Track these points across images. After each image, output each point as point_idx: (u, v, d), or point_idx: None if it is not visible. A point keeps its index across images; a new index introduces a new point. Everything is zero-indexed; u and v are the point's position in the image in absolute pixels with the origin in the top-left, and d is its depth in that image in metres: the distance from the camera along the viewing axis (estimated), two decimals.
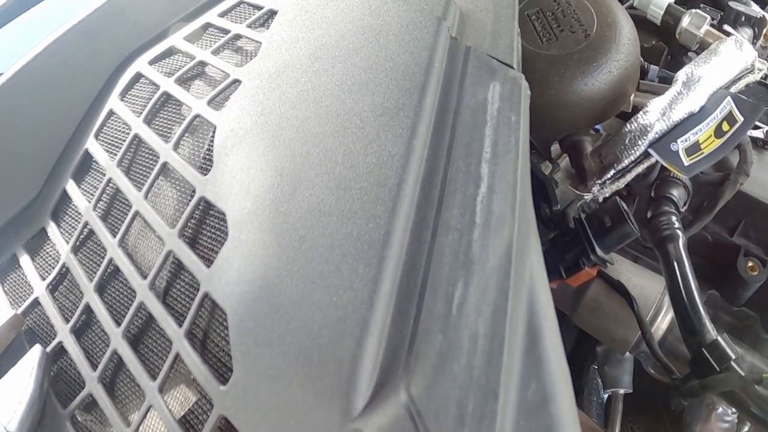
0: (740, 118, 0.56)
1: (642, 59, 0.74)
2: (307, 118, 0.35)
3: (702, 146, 0.53)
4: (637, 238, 0.61)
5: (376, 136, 0.32)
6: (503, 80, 0.36)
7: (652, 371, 0.71)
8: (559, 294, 0.66)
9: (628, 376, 0.75)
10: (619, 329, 0.65)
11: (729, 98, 0.56)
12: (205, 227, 0.36)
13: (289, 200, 0.31)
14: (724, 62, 0.59)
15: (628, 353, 0.70)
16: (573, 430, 0.29)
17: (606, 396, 0.79)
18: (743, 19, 0.83)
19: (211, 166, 0.37)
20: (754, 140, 0.71)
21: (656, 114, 0.52)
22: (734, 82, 0.61)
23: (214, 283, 0.31)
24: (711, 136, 0.54)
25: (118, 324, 0.37)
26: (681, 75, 0.55)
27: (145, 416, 0.33)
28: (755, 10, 0.85)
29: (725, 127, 0.55)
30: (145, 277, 0.37)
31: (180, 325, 0.33)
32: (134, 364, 0.35)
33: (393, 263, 0.27)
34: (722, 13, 0.82)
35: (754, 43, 0.84)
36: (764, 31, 0.86)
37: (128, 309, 0.37)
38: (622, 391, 0.73)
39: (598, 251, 0.54)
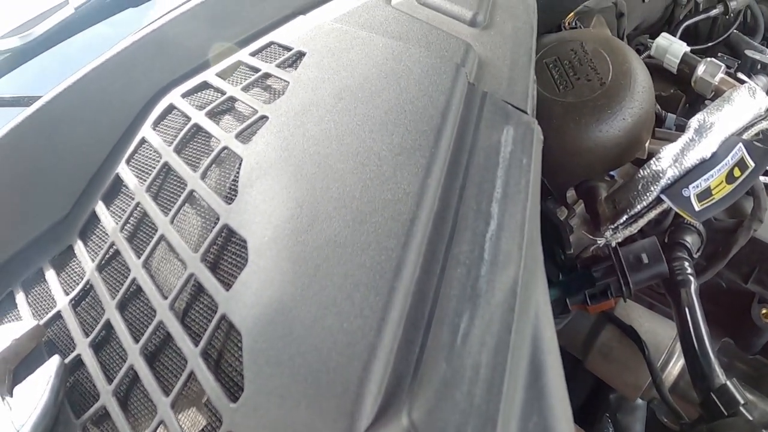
0: (751, 164, 0.57)
1: (659, 107, 0.76)
2: (329, 155, 0.36)
3: (713, 192, 0.54)
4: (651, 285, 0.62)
5: (392, 174, 0.33)
6: (517, 124, 0.38)
7: (665, 420, 0.71)
8: (571, 338, 0.67)
9: (641, 424, 0.75)
10: (629, 374, 0.65)
11: (741, 144, 0.57)
12: (226, 253, 0.37)
13: (308, 231, 0.33)
14: (737, 109, 0.61)
15: (640, 400, 0.71)
16: None
17: None
18: (759, 67, 0.84)
19: (236, 196, 0.39)
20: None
21: (669, 160, 0.53)
22: (747, 128, 0.62)
23: (231, 306, 0.33)
24: (722, 182, 0.55)
25: (137, 341, 0.38)
26: (693, 122, 0.56)
27: (155, 431, 0.34)
28: None
29: (736, 173, 0.56)
30: (165, 298, 0.38)
31: (196, 345, 0.34)
32: (149, 379, 0.36)
33: (402, 294, 0.28)
34: (739, 62, 0.84)
35: None
36: None
37: (147, 327, 0.39)
38: None
39: (631, 285, 0.55)
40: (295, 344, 0.29)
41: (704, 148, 0.55)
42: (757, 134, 0.67)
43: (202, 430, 0.33)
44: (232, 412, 0.30)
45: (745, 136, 0.63)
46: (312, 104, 0.41)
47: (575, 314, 0.59)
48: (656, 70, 0.86)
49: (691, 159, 0.54)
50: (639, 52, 0.90)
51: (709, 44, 1.08)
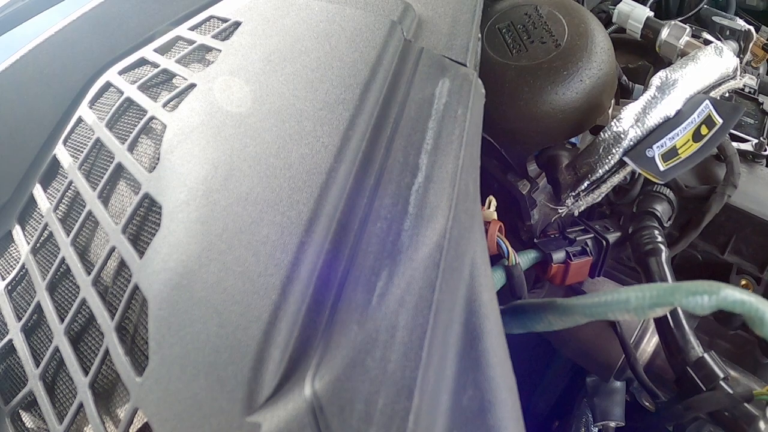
0: (719, 121, 0.54)
1: (627, 79, 0.74)
2: (250, 116, 0.34)
3: (679, 151, 0.52)
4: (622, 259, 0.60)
5: (312, 129, 0.31)
6: (454, 77, 0.36)
7: (646, 403, 0.68)
8: None
9: (620, 408, 0.72)
10: (601, 354, 0.62)
11: (707, 101, 0.55)
12: (147, 223, 0.35)
13: (220, 190, 0.30)
14: (703, 67, 0.58)
15: (617, 383, 0.68)
16: None
17: (596, 430, 0.76)
18: (728, 33, 0.82)
19: (158, 164, 0.36)
20: (743, 153, 0.70)
21: (630, 120, 0.51)
22: (714, 87, 0.60)
23: (142, 274, 0.30)
24: (689, 140, 0.53)
25: (62, 321, 0.36)
26: (655, 79, 0.54)
27: (76, 414, 0.32)
28: (740, 23, 0.85)
29: (704, 130, 0.54)
30: (89, 274, 0.36)
31: (112, 319, 0.32)
32: (71, 360, 0.34)
33: (313, 250, 0.26)
34: (706, 30, 0.82)
35: (740, 58, 0.83)
36: (750, 44, 0.86)
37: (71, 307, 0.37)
38: (613, 424, 0.70)
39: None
40: (196, 309, 0.26)
41: (668, 106, 0.53)
42: (725, 94, 0.64)
43: (116, 408, 0.31)
44: (138, 387, 0.28)
45: (712, 95, 0.61)
46: (240, 69, 0.39)
47: (545, 292, 0.57)
48: (624, 43, 0.84)
49: (654, 118, 0.52)
50: (601, 20, 0.88)
51: (679, 19, 1.06)
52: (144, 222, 0.36)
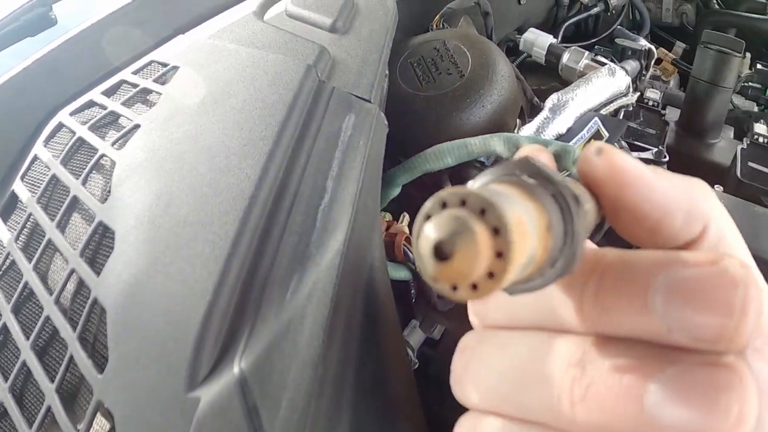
0: (606, 134, 0.63)
1: (537, 99, 0.82)
2: (186, 152, 0.41)
3: None
4: None
5: (238, 162, 0.38)
6: (358, 112, 0.43)
7: None
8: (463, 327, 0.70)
9: None
10: None
11: (596, 118, 0.63)
12: (102, 247, 0.41)
13: (163, 215, 0.37)
14: (595, 88, 0.67)
15: None
16: (409, 409, 0.35)
17: None
18: (630, 52, 0.92)
19: (109, 195, 0.42)
20: (645, 161, 0.78)
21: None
22: (606, 104, 0.69)
23: (100, 289, 0.36)
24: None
25: (28, 338, 0.41)
26: (548, 102, 0.62)
27: (45, 417, 0.37)
28: (641, 43, 0.95)
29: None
30: (51, 294, 0.42)
31: (75, 330, 0.38)
32: (38, 371, 0.39)
33: (238, 260, 0.32)
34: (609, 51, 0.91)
35: (643, 74, 0.93)
36: (652, 62, 0.96)
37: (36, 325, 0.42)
38: None
39: None
40: (147, 311, 0.33)
41: (559, 125, 0.61)
42: (617, 109, 0.73)
43: (81, 406, 0.37)
44: (99, 382, 0.33)
45: (603, 111, 0.69)
46: (178, 111, 0.46)
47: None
48: (537, 67, 0.93)
49: (548, 135, 0.60)
50: (509, 48, 0.97)
51: (592, 41, 1.16)
52: (99, 247, 0.41)
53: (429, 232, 0.14)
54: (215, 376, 0.30)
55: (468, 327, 0.25)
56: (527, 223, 0.14)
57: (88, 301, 0.38)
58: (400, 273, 0.53)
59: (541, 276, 0.17)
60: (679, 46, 1.43)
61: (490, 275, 0.14)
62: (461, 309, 0.61)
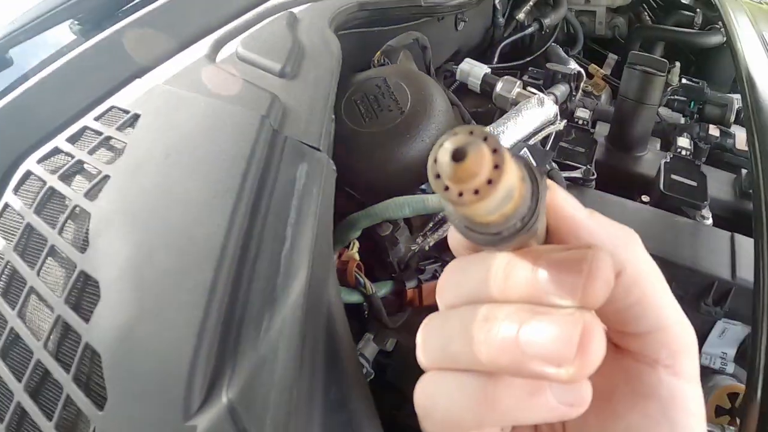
0: (534, 164, 0.70)
1: (474, 122, 0.89)
2: (158, 204, 0.46)
3: None
4: None
5: (208, 214, 0.43)
6: (310, 161, 0.49)
7: None
8: (411, 337, 0.76)
9: None
10: None
11: (525, 150, 0.70)
12: (85, 294, 0.45)
13: (144, 266, 0.42)
14: (525, 119, 0.74)
15: None
16: (368, 422, 0.40)
17: None
18: (560, 76, 0.99)
19: (88, 245, 0.47)
20: (575, 179, 0.85)
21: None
22: (536, 133, 0.76)
23: (92, 335, 0.41)
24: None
25: (20, 380, 0.45)
26: None
27: None
28: (571, 67, 1.02)
29: None
30: (39, 340, 0.46)
31: (68, 372, 0.42)
32: (34, 410, 0.43)
33: (216, 305, 0.38)
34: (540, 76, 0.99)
35: (573, 95, 1.01)
36: (581, 83, 1.04)
37: (26, 368, 0.45)
38: None
39: None
40: (141, 355, 0.38)
41: None
42: (547, 137, 0.81)
43: None
44: (100, 419, 0.38)
45: (534, 140, 0.76)
46: (145, 161, 0.50)
47: (410, 314, 0.69)
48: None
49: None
50: (446, 78, 1.04)
51: (528, 59, 1.24)
52: (81, 294, 0.46)
53: (448, 145, 0.19)
54: (207, 407, 0.35)
55: (413, 338, 0.31)
56: (514, 167, 0.21)
57: (78, 345, 0.42)
58: (353, 297, 0.59)
59: (512, 223, 0.23)
60: (612, 58, 1.52)
61: (489, 182, 0.19)
62: (409, 324, 0.67)
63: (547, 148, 0.79)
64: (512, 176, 0.20)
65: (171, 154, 0.50)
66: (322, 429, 0.37)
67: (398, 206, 0.58)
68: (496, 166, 0.19)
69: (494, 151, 0.19)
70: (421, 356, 0.29)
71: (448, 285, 0.29)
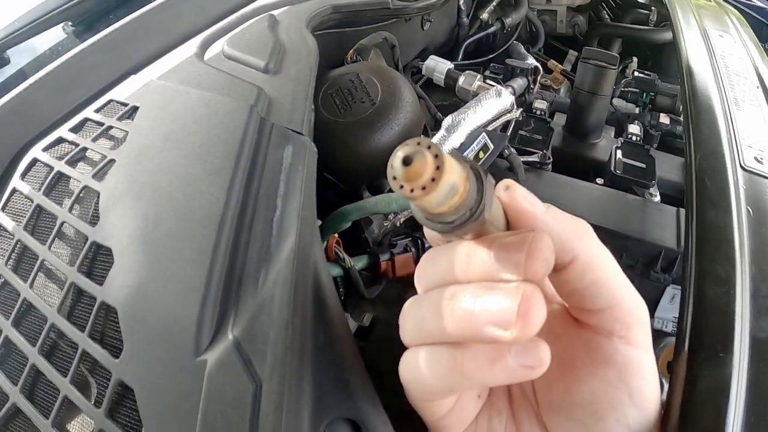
0: (491, 146, 0.77)
1: (440, 114, 0.96)
2: (161, 181, 0.52)
3: None
4: None
5: (207, 188, 0.49)
6: (295, 144, 0.55)
7: None
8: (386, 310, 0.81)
9: None
10: None
11: (483, 133, 0.77)
12: (96, 262, 0.51)
13: (152, 232, 0.48)
14: (484, 108, 0.81)
15: None
16: (352, 361, 0.46)
17: None
18: (518, 71, 1.07)
19: (98, 220, 0.52)
20: (533, 163, 0.90)
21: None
22: (494, 120, 0.83)
23: (106, 293, 0.46)
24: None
25: (34, 345, 0.48)
26: (445, 122, 0.76)
27: (61, 407, 0.45)
28: (528, 63, 1.10)
29: (481, 155, 0.76)
30: (52, 307, 0.51)
31: (82, 331, 0.47)
32: (48, 369, 0.46)
33: (220, 262, 0.44)
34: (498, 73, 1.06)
35: (531, 89, 1.08)
36: (539, 77, 1.11)
37: (40, 333, 0.49)
38: None
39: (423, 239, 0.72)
40: (152, 306, 0.44)
41: (454, 141, 0.75)
42: (505, 123, 0.88)
43: (98, 388, 0.46)
44: (117, 365, 0.43)
45: (493, 126, 0.84)
46: (147, 147, 0.56)
47: (384, 287, 0.74)
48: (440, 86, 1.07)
49: (444, 150, 0.73)
50: (414, 73, 1.11)
51: (490, 56, 1.32)
52: (93, 262, 0.51)
53: (400, 153, 0.24)
54: (215, 343, 0.41)
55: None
56: (455, 166, 0.26)
57: (92, 307, 0.47)
58: (334, 270, 0.65)
59: (461, 213, 0.28)
60: (572, 55, 1.59)
61: (433, 179, 0.24)
62: (385, 296, 0.73)
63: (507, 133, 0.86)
64: (453, 174, 0.26)
65: (170, 139, 0.56)
66: (312, 364, 0.42)
67: (386, 202, 0.64)
68: (437, 168, 0.25)
69: (435, 156, 0.25)
70: (402, 335, 0.35)
71: (423, 272, 0.35)
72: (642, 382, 0.35)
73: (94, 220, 0.54)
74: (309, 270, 0.47)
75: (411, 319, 0.34)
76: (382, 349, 0.77)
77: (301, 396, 0.40)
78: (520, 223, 0.31)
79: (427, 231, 0.33)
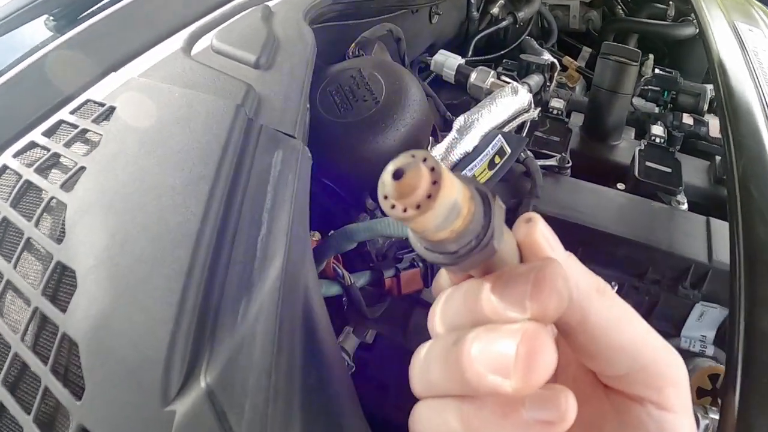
0: (508, 150, 0.70)
1: (450, 114, 0.90)
2: (134, 192, 0.46)
3: (478, 178, 0.67)
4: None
5: (183, 201, 0.43)
6: (285, 148, 0.49)
7: None
8: (391, 327, 0.76)
9: None
10: None
11: (499, 136, 0.71)
12: (62, 285, 0.45)
13: (120, 254, 0.42)
14: (499, 107, 0.75)
15: None
16: (348, 403, 0.41)
17: None
18: (534, 67, 1.00)
19: (65, 236, 0.47)
20: (550, 167, 0.86)
21: (438, 158, 0.66)
22: (510, 120, 0.77)
23: (68, 324, 0.41)
24: (485, 169, 0.68)
25: None
26: (456, 123, 0.69)
27: None
28: (545, 57, 1.03)
29: (497, 159, 0.70)
30: (16, 333, 0.45)
31: (46, 364, 0.42)
32: (12, 404, 0.42)
33: (193, 290, 0.38)
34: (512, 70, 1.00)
35: (547, 86, 1.02)
36: (555, 74, 1.04)
37: (4, 362, 0.45)
38: None
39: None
40: (116, 342, 0.38)
41: (466, 144, 0.68)
42: (522, 125, 0.82)
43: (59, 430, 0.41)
44: (78, 408, 0.38)
45: (509, 127, 0.77)
46: (121, 152, 0.50)
47: (390, 305, 0.69)
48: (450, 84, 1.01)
49: (456, 154, 0.67)
50: (421, 69, 1.05)
51: (502, 52, 1.25)
52: (59, 285, 0.45)
53: (390, 167, 0.21)
54: (186, 391, 0.35)
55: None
56: (456, 183, 0.22)
57: (55, 336, 0.42)
58: (332, 289, 0.59)
59: (467, 240, 0.23)
60: (586, 51, 1.53)
61: (429, 196, 0.20)
62: (388, 315, 0.68)
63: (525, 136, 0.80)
64: (453, 191, 0.21)
65: (146, 143, 0.50)
66: (302, 412, 0.37)
67: (401, 226, 0.58)
68: (434, 182, 0.20)
69: (432, 169, 0.21)
70: (411, 385, 0.30)
71: (434, 317, 0.30)
72: None
73: (61, 236, 0.48)
74: (298, 299, 0.41)
75: (418, 367, 0.30)
76: (387, 361, 0.71)
77: None
78: (531, 257, 0.28)
79: (435, 282, 0.30)
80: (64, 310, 0.42)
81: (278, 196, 0.45)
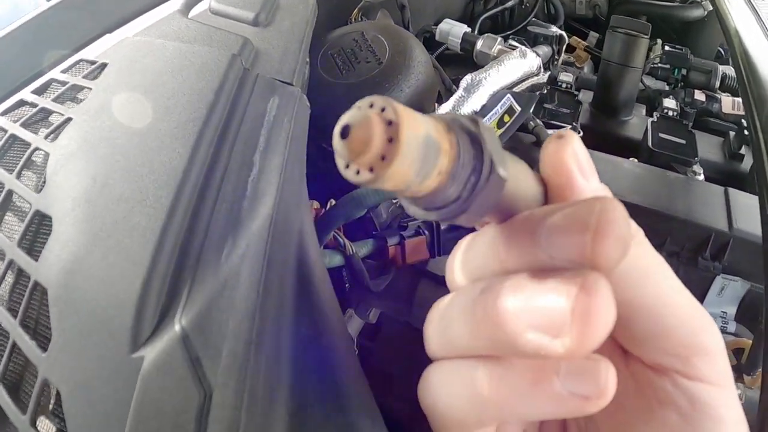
0: (518, 108, 0.67)
1: (455, 86, 0.87)
2: (119, 137, 0.43)
3: None
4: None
5: (169, 143, 0.40)
6: (282, 94, 0.46)
7: None
8: (395, 301, 0.73)
9: None
10: None
11: (508, 95, 0.68)
12: (40, 236, 0.42)
13: (99, 196, 0.39)
14: (507, 69, 0.72)
15: None
16: (344, 358, 0.37)
17: None
18: (542, 39, 0.97)
19: (45, 184, 0.44)
20: None
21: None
22: (519, 83, 0.74)
23: (39, 271, 0.38)
24: (494, 128, 0.65)
25: None
26: (463, 82, 0.66)
27: None
28: (553, 30, 1.00)
29: (506, 118, 0.66)
30: None
31: (15, 317, 0.39)
32: None
33: (174, 229, 0.35)
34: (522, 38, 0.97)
35: (555, 58, 0.98)
36: (563, 46, 1.01)
37: None
38: None
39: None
40: (87, 286, 0.35)
41: (474, 103, 0.65)
42: (530, 87, 0.78)
43: (27, 387, 0.38)
44: (44, 360, 0.35)
45: (516, 89, 0.74)
46: (109, 102, 0.47)
47: (393, 279, 0.66)
48: (454, 58, 0.98)
49: (463, 113, 0.64)
50: (425, 38, 1.02)
51: (508, 33, 1.22)
52: (36, 236, 0.43)
53: (340, 120, 0.17)
54: (158, 336, 0.32)
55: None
56: (420, 117, 0.17)
57: (27, 288, 0.39)
58: (335, 259, 0.56)
59: (464, 178, 0.19)
60: (593, 36, 1.50)
61: (383, 158, 0.16)
62: (391, 289, 0.64)
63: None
64: (418, 127, 0.17)
65: (136, 92, 0.47)
66: (292, 363, 0.34)
67: None
68: (390, 140, 0.17)
69: (389, 123, 0.17)
70: (426, 344, 0.26)
71: (455, 264, 0.26)
72: (717, 427, 0.25)
73: (41, 186, 0.45)
74: (290, 241, 0.38)
75: (435, 323, 0.26)
76: (392, 349, 0.68)
77: (270, 411, 0.31)
78: (557, 197, 0.23)
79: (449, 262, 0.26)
80: (36, 258, 0.39)
81: (272, 139, 0.42)
